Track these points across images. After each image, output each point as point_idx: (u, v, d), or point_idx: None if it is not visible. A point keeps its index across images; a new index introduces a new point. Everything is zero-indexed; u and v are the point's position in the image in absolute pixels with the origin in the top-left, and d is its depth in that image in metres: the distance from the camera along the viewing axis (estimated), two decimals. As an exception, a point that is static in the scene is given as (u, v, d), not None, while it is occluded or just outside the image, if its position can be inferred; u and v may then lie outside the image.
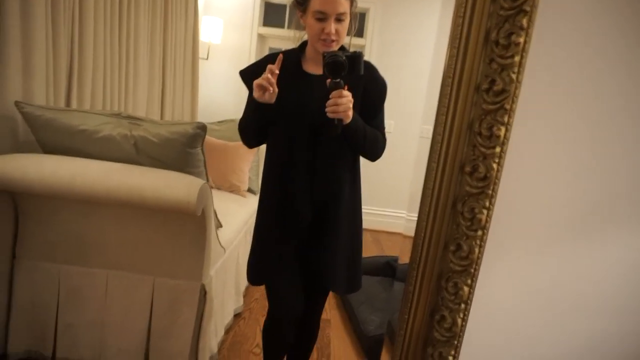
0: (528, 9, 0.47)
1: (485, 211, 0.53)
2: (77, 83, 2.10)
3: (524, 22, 0.48)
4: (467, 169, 0.54)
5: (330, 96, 1.20)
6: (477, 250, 0.56)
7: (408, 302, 0.64)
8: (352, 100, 1.23)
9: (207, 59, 4.26)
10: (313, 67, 1.39)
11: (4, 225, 1.64)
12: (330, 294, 2.75)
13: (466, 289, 0.60)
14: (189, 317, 1.68)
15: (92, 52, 2.18)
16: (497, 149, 0.51)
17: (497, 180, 0.52)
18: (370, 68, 1.39)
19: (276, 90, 1.26)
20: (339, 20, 1.28)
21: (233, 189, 2.84)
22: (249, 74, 1.39)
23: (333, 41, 1.29)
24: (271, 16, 4.56)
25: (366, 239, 4.29)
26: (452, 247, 0.58)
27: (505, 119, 0.51)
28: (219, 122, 3.24)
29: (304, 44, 1.43)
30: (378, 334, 2.15)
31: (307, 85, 1.35)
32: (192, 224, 1.60)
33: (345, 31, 1.32)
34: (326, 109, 1.21)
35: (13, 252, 1.67)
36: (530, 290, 0.66)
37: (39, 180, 1.48)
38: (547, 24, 0.51)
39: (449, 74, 0.54)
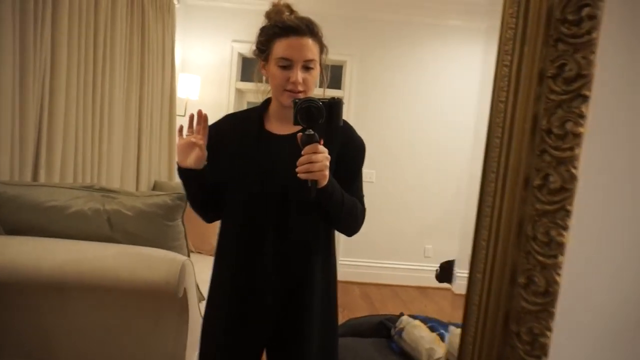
0: (588, 93, 0.40)
1: (548, 333, 0.43)
2: (45, 153, 1.96)
3: (583, 109, 0.40)
4: (521, 280, 0.44)
5: (303, 152, 0.99)
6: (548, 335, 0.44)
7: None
8: (329, 157, 1.02)
9: (184, 115, 4.19)
10: (278, 126, 1.19)
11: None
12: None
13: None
14: (170, 412, 1.49)
15: (62, 117, 2.07)
16: (560, 258, 0.42)
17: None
18: (346, 126, 1.21)
19: (205, 151, 1.09)
20: (306, 68, 1.11)
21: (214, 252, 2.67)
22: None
23: (300, 92, 1.10)
24: (249, 71, 4.58)
25: (354, 293, 4.13)
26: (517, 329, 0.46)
27: (568, 222, 0.41)
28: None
29: (267, 102, 1.25)
30: (380, 409, 1.97)
31: (270, 148, 1.16)
32: (173, 305, 1.44)
33: (314, 82, 1.15)
34: (298, 168, 0.99)
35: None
36: None
37: (1, 267, 1.32)
38: (601, 110, 0.43)
39: (492, 168, 0.45)
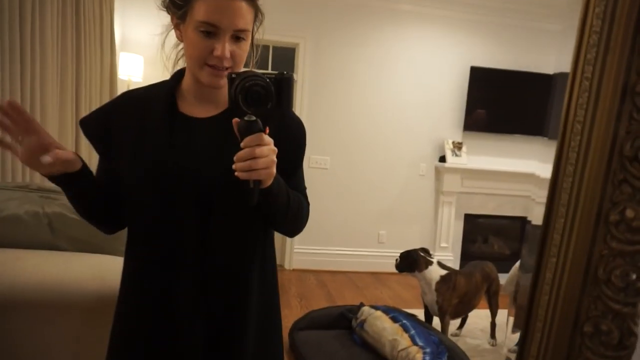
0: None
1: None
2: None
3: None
4: (588, 329, 0.38)
5: (243, 144, 0.76)
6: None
7: None
8: (276, 150, 0.79)
9: (126, 98, 3.90)
10: (196, 107, 0.93)
11: None
12: (287, 357, 2.48)
13: None
14: None
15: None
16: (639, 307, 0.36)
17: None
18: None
19: (63, 148, 0.81)
20: (236, 38, 0.86)
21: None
22: (95, 127, 0.94)
23: (225, 68, 0.86)
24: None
25: (311, 281, 4.09)
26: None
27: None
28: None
29: (178, 75, 0.97)
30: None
31: (187, 136, 0.90)
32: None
33: (244, 56, 0.90)
34: (236, 165, 0.76)
35: None
36: None
37: None
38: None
39: (564, 201, 0.38)
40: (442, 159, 4.42)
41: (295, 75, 0.83)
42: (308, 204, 1.01)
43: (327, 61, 4.29)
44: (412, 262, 2.74)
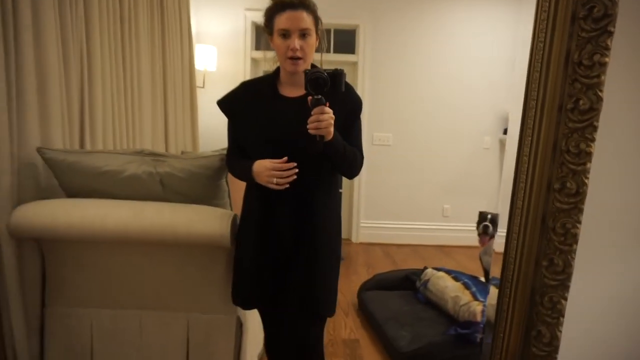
0: (612, 29, 0.49)
1: (578, 225, 0.54)
2: (89, 124, 2.10)
3: (609, 42, 0.50)
4: (556, 186, 0.55)
5: (312, 113, 1.22)
6: (572, 263, 0.56)
7: (502, 321, 0.64)
8: (334, 117, 1.24)
9: (203, 87, 4.28)
10: (289, 90, 1.41)
11: (32, 274, 1.61)
12: (355, 314, 2.72)
13: (564, 302, 0.61)
14: (226, 351, 1.66)
15: (100, 91, 2.19)
16: (588, 165, 0.53)
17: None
18: (347, 86, 1.40)
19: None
20: (303, 35, 1.31)
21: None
22: (227, 104, 1.44)
23: (299, 58, 1.31)
24: (263, 40, 4.61)
25: (376, 253, 4.29)
26: (544, 263, 0.59)
27: (595, 135, 0.52)
28: (222, 149, 3.25)
29: (278, 70, 1.45)
30: (411, 349, 2.14)
31: (284, 108, 1.37)
32: (224, 256, 1.59)
33: (312, 48, 1.35)
34: (308, 126, 1.22)
35: (42, 301, 1.65)
36: (620, 295, 0.67)
37: (68, 226, 1.47)
38: (623, 41, 0.53)
39: (532, 96, 0.55)
40: (507, 131, 4.40)
41: (344, 70, 1.29)
42: (363, 156, 1.47)
43: (387, 40, 4.40)
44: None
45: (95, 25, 2.13)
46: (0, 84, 1.48)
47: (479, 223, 2.72)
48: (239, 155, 1.46)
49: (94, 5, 2.12)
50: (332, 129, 1.24)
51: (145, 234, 1.48)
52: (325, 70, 1.24)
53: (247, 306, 1.53)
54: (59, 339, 1.63)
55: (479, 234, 2.68)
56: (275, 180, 1.30)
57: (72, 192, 1.66)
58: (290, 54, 1.31)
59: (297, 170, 1.31)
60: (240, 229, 1.49)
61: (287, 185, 1.31)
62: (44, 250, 1.61)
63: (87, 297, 1.63)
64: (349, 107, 1.40)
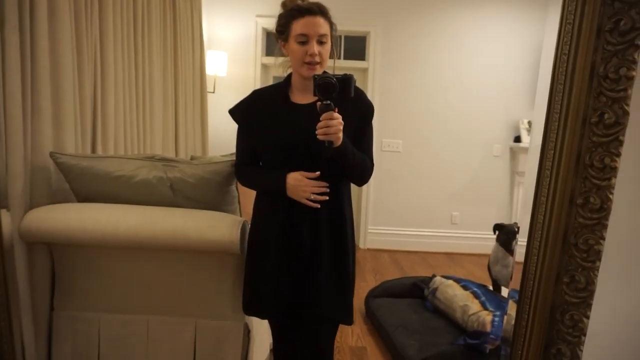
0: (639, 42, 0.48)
1: (602, 242, 0.53)
2: (101, 129, 2.11)
3: (636, 55, 0.49)
4: (579, 201, 0.54)
5: (321, 118, 1.22)
6: (595, 281, 0.55)
7: (521, 338, 0.62)
8: (342, 122, 1.24)
9: (213, 92, 4.30)
10: (300, 97, 1.41)
11: (42, 277, 1.62)
12: (362, 321, 2.70)
13: (585, 320, 0.59)
14: (234, 357, 1.65)
15: (112, 97, 2.20)
16: (613, 180, 0.52)
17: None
18: (358, 91, 1.40)
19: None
20: (320, 42, 1.31)
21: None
22: (240, 112, 1.45)
23: (317, 63, 1.32)
24: (273, 45, 4.63)
25: (384, 259, 4.27)
26: (566, 279, 0.57)
27: (620, 150, 0.51)
28: (231, 154, 3.26)
29: (289, 77, 1.45)
30: (420, 358, 2.11)
31: (297, 115, 1.37)
32: (233, 262, 1.58)
33: (328, 54, 1.35)
34: (317, 131, 1.22)
35: (51, 304, 1.65)
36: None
37: (81, 230, 1.47)
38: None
39: (556, 109, 0.54)
40: (517, 139, 4.36)
41: (354, 76, 1.30)
42: (373, 164, 1.47)
43: (398, 46, 4.39)
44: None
45: (108, 32, 2.16)
46: (15, 89, 1.49)
47: (508, 237, 2.64)
48: (250, 164, 1.47)
49: (108, 13, 2.15)
50: (341, 135, 1.25)
51: (156, 239, 1.48)
52: (334, 75, 1.24)
53: (264, 315, 1.51)
54: (66, 343, 1.63)
55: (513, 250, 2.59)
56: (312, 196, 1.32)
57: (84, 197, 1.67)
58: (308, 59, 1.31)
59: (328, 190, 1.33)
60: (254, 236, 1.47)
61: (319, 206, 1.33)
62: (54, 254, 1.62)
63: (96, 301, 1.63)
64: (360, 112, 1.41)
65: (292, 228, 1.38)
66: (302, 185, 1.32)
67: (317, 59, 1.31)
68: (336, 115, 1.22)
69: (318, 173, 1.32)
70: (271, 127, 1.38)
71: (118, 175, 1.60)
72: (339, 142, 1.26)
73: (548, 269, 0.57)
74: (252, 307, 1.49)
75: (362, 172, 1.43)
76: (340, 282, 1.42)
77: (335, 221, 1.41)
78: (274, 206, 1.41)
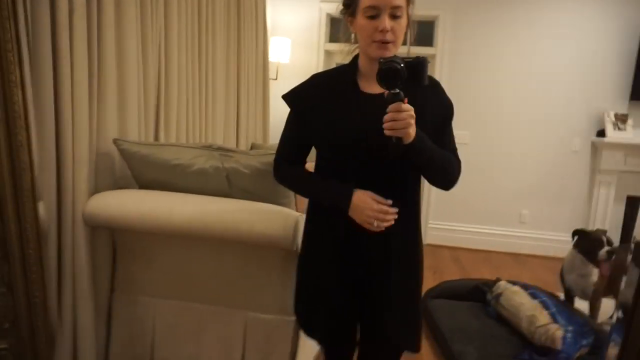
0: None
1: None
2: (164, 117, 2.15)
3: None
4: None
5: (387, 110, 1.02)
6: None
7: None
8: (414, 115, 1.04)
9: (276, 79, 4.30)
10: (370, 84, 1.17)
11: (103, 260, 1.68)
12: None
13: None
14: (283, 352, 1.63)
15: (176, 84, 2.23)
16: None
17: None
18: (436, 85, 1.22)
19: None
20: (394, 16, 1.09)
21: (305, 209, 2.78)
22: (296, 98, 1.25)
23: (389, 42, 1.10)
24: (337, 32, 4.53)
25: (445, 256, 4.08)
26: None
27: None
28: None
29: (356, 59, 1.23)
30: (479, 370, 1.98)
31: (364, 107, 1.15)
32: (286, 258, 1.54)
33: (402, 31, 1.13)
34: (383, 125, 1.03)
35: (111, 286, 1.71)
36: None
37: (139, 217, 1.50)
38: None
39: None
40: (601, 133, 3.96)
41: (428, 58, 1.07)
42: (459, 161, 1.25)
43: (468, 32, 4.13)
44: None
45: (173, 20, 2.17)
46: (83, 76, 1.53)
47: (592, 244, 2.35)
48: (293, 161, 1.30)
49: (172, 1, 2.16)
50: (412, 130, 1.04)
51: (208, 230, 1.47)
52: (405, 58, 1.03)
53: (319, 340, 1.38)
54: (124, 325, 1.69)
55: (600, 261, 2.32)
56: (376, 223, 1.13)
57: (144, 183, 1.70)
58: (379, 36, 1.09)
59: (396, 215, 1.15)
60: (308, 249, 1.32)
61: (383, 229, 1.14)
62: (115, 239, 1.66)
63: (152, 286, 1.67)
64: (437, 107, 1.21)
65: (352, 241, 1.20)
66: (368, 208, 1.13)
67: (390, 36, 1.09)
68: (406, 106, 1.02)
69: (390, 201, 1.14)
70: (335, 119, 1.17)
71: (176, 163, 1.61)
72: (410, 139, 1.06)
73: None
74: (306, 327, 1.37)
75: (447, 172, 1.21)
76: (411, 304, 1.26)
77: (409, 236, 1.23)
78: (330, 220, 1.22)
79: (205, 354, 1.68)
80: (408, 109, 1.02)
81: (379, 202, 1.13)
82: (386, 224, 1.14)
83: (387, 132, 1.04)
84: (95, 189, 1.63)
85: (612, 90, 3.96)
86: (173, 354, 1.69)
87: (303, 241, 1.34)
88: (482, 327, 2.39)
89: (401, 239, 1.21)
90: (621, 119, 3.88)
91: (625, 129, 3.87)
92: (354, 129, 1.14)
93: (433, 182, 1.24)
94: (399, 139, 1.05)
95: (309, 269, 1.31)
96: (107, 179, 1.68)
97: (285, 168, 1.32)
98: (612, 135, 3.87)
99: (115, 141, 1.65)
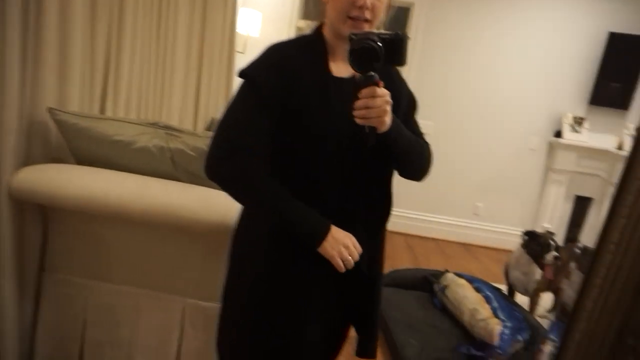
0: None
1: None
2: (113, 86, 2.01)
3: None
4: None
5: (360, 95, 0.88)
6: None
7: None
8: (390, 101, 0.90)
9: (243, 52, 4.14)
10: (338, 65, 1.01)
11: (33, 237, 1.56)
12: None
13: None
14: (221, 341, 1.59)
15: (129, 52, 2.09)
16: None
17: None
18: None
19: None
20: None
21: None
22: (261, 77, 1.00)
23: (367, 21, 0.95)
24: (311, 9, 4.40)
25: (399, 243, 4.14)
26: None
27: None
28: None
29: (320, 33, 1.03)
30: (418, 362, 2.01)
31: (341, 95, 0.96)
32: (222, 245, 1.48)
33: (381, 11, 0.97)
34: (354, 112, 0.89)
35: (41, 265, 1.61)
36: None
37: (71, 196, 1.40)
38: None
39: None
40: (558, 134, 4.07)
41: (408, 34, 0.90)
42: (430, 150, 1.17)
43: (442, 22, 4.10)
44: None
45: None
46: (15, 35, 1.37)
47: (540, 247, 2.42)
48: (255, 154, 1.00)
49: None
50: (387, 118, 0.91)
51: (147, 214, 1.39)
52: (380, 34, 0.88)
53: None
54: (54, 306, 1.60)
55: (546, 264, 2.39)
56: (342, 264, 0.97)
57: (82, 158, 1.59)
58: (355, 12, 0.93)
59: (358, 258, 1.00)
60: (259, 264, 1.11)
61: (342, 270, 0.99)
62: (47, 215, 1.56)
63: (85, 267, 1.58)
64: (408, 91, 1.11)
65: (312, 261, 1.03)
66: (343, 243, 0.98)
67: (368, 14, 0.94)
68: (381, 91, 0.88)
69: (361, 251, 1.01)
70: (308, 108, 0.97)
71: (116, 139, 1.51)
72: (384, 128, 0.92)
73: (625, 278, 0.42)
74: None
75: (421, 162, 1.11)
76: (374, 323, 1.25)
77: (375, 237, 1.18)
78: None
79: (141, 339, 1.61)
80: (383, 94, 0.88)
81: (355, 245, 1.00)
82: (350, 264, 0.99)
83: (358, 121, 0.89)
84: (27, 161, 1.50)
85: (573, 93, 4.06)
86: (106, 338, 1.62)
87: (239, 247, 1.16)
88: (427, 318, 2.43)
89: (371, 246, 1.15)
90: (578, 122, 3.99)
91: (581, 132, 3.98)
92: (330, 120, 0.97)
93: (405, 174, 1.13)
94: (373, 129, 0.91)
95: (269, 284, 1.10)
96: (39, 150, 1.55)
97: (245, 162, 1.00)
98: (568, 136, 3.98)
99: (50, 110, 1.52)
